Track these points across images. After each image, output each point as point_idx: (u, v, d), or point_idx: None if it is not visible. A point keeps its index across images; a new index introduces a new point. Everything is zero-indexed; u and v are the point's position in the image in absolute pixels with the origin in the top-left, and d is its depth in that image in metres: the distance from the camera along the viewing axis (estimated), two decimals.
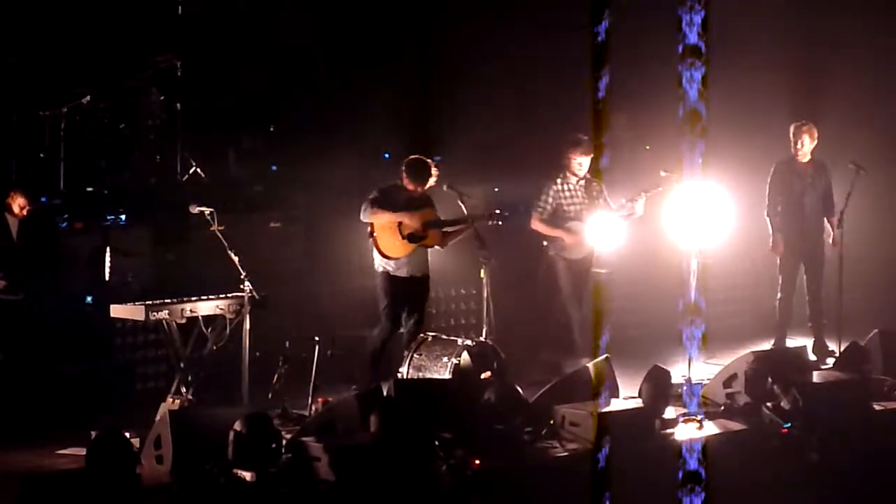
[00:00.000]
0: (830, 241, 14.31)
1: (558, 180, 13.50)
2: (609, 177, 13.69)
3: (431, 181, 12.63)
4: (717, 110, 11.94)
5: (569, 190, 13.49)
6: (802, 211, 14.37)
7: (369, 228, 12.54)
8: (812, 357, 13.76)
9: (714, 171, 12.42)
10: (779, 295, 14.52)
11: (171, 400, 11.83)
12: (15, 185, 12.73)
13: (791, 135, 14.35)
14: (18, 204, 12.24)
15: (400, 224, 12.55)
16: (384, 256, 12.52)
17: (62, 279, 13.02)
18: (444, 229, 12.68)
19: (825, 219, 14.39)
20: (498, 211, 12.79)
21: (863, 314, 14.97)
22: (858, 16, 17.32)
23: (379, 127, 16.46)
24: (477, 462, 10.34)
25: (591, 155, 13.47)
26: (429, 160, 12.71)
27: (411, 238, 12.57)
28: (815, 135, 14.31)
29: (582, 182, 13.50)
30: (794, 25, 17.31)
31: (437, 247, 12.75)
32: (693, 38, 11.12)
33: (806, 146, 14.29)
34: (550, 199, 13.48)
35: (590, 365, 11.89)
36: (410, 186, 12.63)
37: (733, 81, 16.23)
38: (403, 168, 12.66)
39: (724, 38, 14.01)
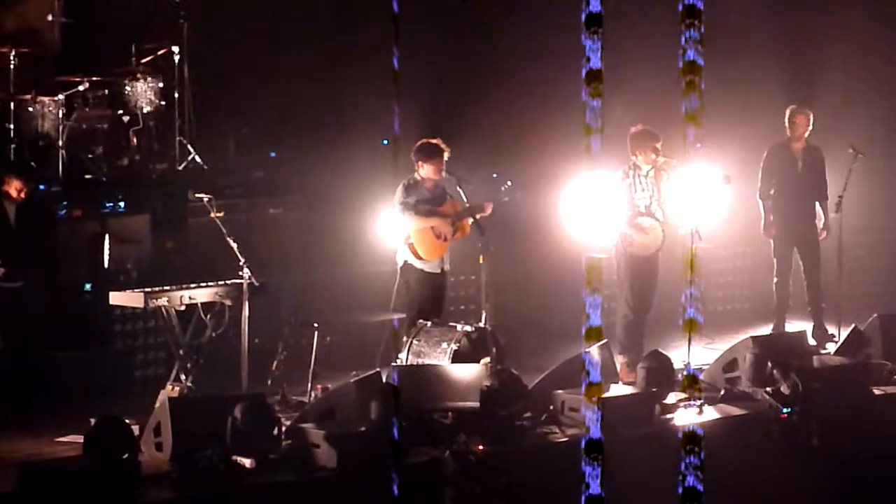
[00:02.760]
0: (822, 227, 14.25)
1: (626, 178, 12.85)
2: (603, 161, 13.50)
3: (445, 157, 12.45)
4: (713, 94, 11.88)
5: (640, 182, 12.91)
6: (795, 194, 14.30)
7: (405, 234, 12.38)
8: (812, 342, 13.75)
9: (711, 154, 12.37)
10: (775, 279, 14.48)
11: (170, 387, 11.81)
12: (7, 170, 12.62)
13: (787, 118, 14.33)
14: (15, 187, 12.12)
15: (433, 226, 12.49)
16: (420, 259, 12.42)
17: (60, 266, 13.01)
18: (466, 219, 12.58)
19: (817, 203, 14.31)
20: (504, 187, 12.71)
21: (863, 299, 14.97)
22: None
23: (378, 113, 16.40)
24: (480, 448, 10.34)
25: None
26: (434, 139, 12.60)
27: (444, 237, 12.50)
28: (811, 118, 14.27)
29: (653, 171, 12.88)
30: (791, 7, 17.27)
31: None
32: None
33: (801, 129, 14.26)
34: (627, 198, 12.84)
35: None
36: (430, 175, 12.45)
37: (731, 65, 16.20)
38: (415, 156, 12.46)
39: (721, 21, 13.98)
